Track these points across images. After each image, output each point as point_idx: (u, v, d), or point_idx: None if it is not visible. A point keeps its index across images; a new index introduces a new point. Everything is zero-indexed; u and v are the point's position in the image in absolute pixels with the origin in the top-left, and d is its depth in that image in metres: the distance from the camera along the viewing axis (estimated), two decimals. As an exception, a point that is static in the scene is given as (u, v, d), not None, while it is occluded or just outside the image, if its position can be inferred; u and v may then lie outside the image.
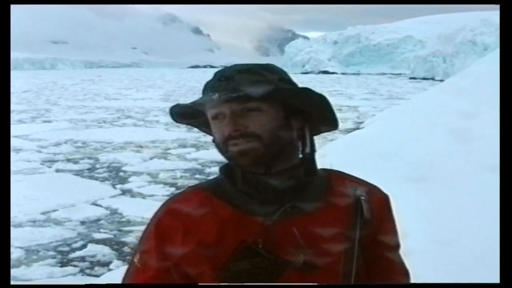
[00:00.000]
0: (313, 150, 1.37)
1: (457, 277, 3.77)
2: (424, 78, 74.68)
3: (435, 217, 4.91)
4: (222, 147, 1.32)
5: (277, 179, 1.31)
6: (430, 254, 3.95)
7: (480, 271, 3.54)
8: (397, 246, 1.45)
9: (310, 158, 1.36)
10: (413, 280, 1.48)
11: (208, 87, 1.32)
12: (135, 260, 1.37)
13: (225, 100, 1.27)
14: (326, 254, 1.30)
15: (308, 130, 1.37)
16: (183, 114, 1.40)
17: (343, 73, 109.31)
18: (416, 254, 1.51)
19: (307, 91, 1.31)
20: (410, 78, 79.25)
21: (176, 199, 1.41)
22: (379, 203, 1.41)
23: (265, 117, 1.28)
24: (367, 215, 1.34)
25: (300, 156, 1.37)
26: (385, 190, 1.47)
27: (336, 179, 1.41)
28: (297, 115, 1.35)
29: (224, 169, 1.40)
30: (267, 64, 1.38)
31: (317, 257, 1.29)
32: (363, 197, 1.36)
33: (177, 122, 1.43)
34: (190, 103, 1.35)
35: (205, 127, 1.42)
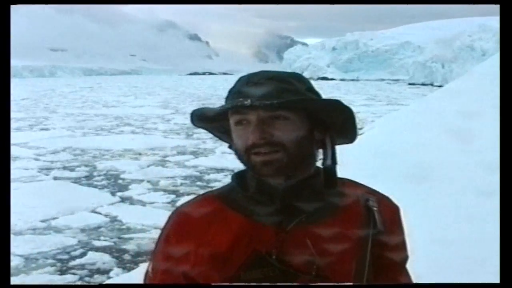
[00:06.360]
0: (334, 162, 1.34)
1: (458, 277, 3.76)
2: (423, 84, 74.95)
3: (436, 217, 4.93)
4: (243, 154, 1.28)
5: (292, 189, 1.30)
6: (430, 254, 3.95)
7: (480, 271, 3.54)
8: (404, 258, 1.44)
9: (331, 170, 1.33)
10: (413, 280, 1.47)
11: (235, 92, 1.29)
12: (149, 269, 1.37)
13: (255, 106, 1.23)
14: (337, 264, 1.29)
15: (329, 142, 1.34)
16: (203, 117, 1.37)
17: (341, 79, 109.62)
18: (416, 254, 1.50)
19: (339, 103, 1.29)
20: (409, 84, 79.55)
21: (188, 205, 1.38)
22: (389, 214, 1.39)
23: (292, 126, 1.26)
24: (380, 226, 1.33)
25: (316, 166, 1.35)
26: (385, 190, 1.46)
27: (349, 188, 1.39)
28: (320, 126, 1.32)
29: (236, 177, 1.37)
30: (293, 73, 1.36)
31: (329, 267, 1.28)
32: (375, 208, 1.35)
33: (194, 124, 1.39)
34: (216, 107, 1.32)
35: (220, 133, 1.40)
